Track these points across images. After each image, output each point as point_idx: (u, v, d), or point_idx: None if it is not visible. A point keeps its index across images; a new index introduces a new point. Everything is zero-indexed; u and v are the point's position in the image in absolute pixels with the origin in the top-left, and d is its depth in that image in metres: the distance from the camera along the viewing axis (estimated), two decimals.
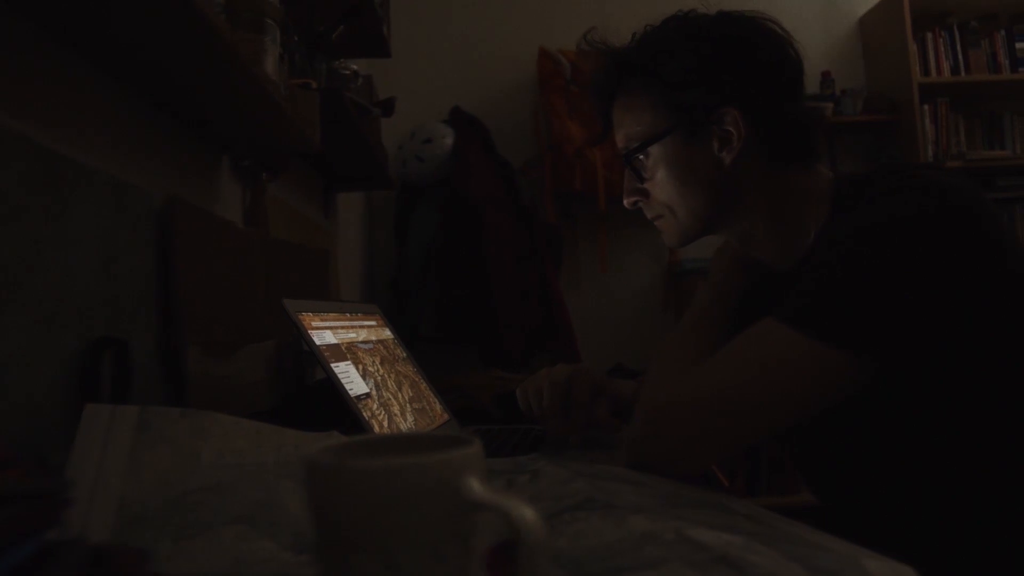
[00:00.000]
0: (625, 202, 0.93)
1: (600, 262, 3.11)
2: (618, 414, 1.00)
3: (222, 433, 0.68)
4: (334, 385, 0.90)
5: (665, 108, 0.87)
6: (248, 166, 1.40)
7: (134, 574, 0.38)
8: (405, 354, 1.24)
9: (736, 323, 0.86)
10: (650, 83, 0.88)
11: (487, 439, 1.11)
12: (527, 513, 0.32)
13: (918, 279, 0.72)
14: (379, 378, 1.05)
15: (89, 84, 0.89)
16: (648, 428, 0.79)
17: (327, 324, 1.01)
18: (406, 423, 1.04)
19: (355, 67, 1.75)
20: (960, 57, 3.05)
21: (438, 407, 1.21)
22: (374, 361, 1.07)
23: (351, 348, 1.02)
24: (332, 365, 0.93)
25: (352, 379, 0.96)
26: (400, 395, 1.08)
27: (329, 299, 1.91)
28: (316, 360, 0.93)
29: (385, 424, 0.96)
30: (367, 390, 0.98)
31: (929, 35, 3.03)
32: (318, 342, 0.94)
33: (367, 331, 1.14)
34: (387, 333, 1.23)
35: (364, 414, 0.91)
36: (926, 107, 2.99)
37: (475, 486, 0.34)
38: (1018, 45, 3.05)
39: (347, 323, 1.08)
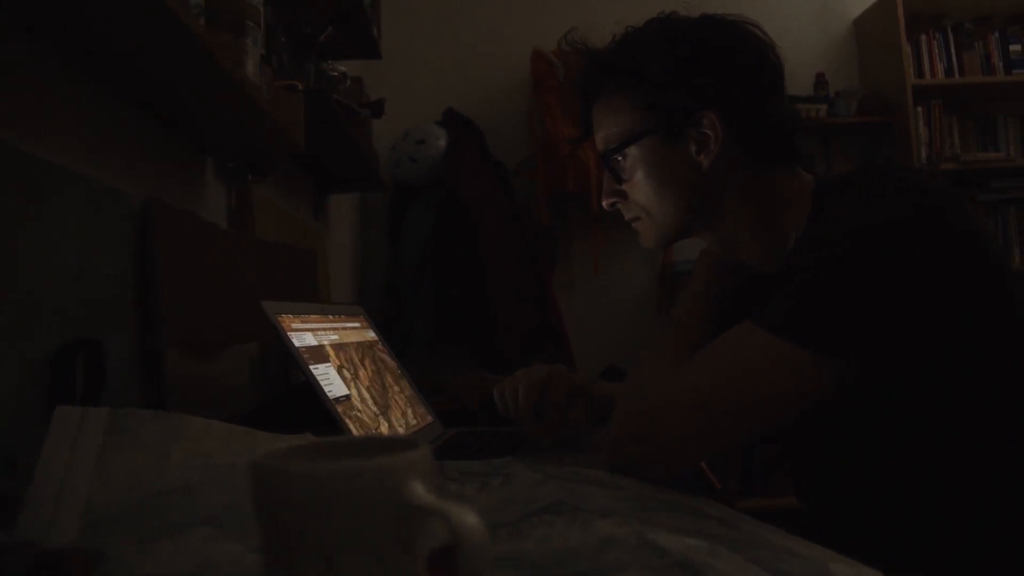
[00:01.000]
0: (604, 203, 0.93)
1: (594, 264, 3.11)
2: (600, 416, 1.00)
3: (193, 435, 0.68)
4: (312, 387, 0.90)
5: (644, 109, 0.87)
6: (233, 168, 1.40)
7: None
8: (389, 356, 1.24)
9: (721, 325, 0.86)
10: (629, 84, 0.88)
11: (470, 441, 1.10)
12: (468, 518, 0.32)
13: (894, 283, 0.71)
14: (360, 380, 1.04)
15: (64, 85, 0.89)
16: (625, 430, 0.79)
17: (307, 326, 1.00)
18: (386, 425, 1.03)
19: (343, 69, 1.75)
20: (954, 59, 3.05)
21: (422, 409, 1.20)
22: (355, 363, 1.07)
23: (331, 350, 1.02)
24: (311, 367, 0.93)
25: (332, 381, 0.95)
26: (381, 397, 1.08)
27: (318, 300, 1.90)
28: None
29: (364, 426, 0.96)
30: (346, 392, 0.97)
31: (923, 37, 3.03)
32: (297, 344, 0.94)
33: (349, 333, 1.13)
34: (371, 335, 1.23)
35: (343, 416, 0.91)
36: (920, 109, 2.98)
37: (418, 490, 0.33)
38: (1012, 47, 3.05)
39: (328, 325, 1.07)
